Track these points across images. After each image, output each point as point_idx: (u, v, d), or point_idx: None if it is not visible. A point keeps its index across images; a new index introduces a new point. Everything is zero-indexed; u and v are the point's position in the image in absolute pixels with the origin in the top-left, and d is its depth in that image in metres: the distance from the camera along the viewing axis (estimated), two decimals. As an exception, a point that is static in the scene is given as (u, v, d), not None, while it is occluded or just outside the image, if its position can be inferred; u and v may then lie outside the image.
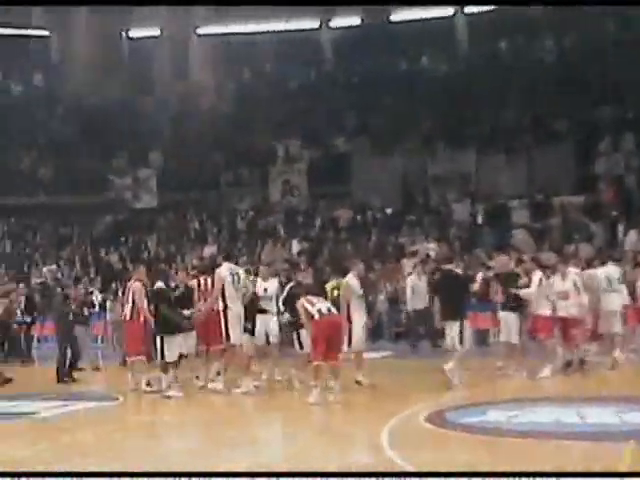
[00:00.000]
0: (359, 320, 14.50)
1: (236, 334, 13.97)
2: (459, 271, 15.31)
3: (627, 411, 11.05)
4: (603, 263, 16.71)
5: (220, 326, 14.01)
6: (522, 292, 14.83)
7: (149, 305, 14.42)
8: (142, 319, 14.56)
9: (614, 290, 16.25)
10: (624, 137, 27.83)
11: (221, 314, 14.04)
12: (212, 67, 35.81)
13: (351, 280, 14.59)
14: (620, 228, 24.40)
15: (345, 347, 14.11)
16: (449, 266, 15.25)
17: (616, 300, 16.25)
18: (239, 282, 14.17)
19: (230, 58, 35.82)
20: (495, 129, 30.47)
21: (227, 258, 15.30)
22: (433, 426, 10.78)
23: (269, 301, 14.86)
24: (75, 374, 16.88)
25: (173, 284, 14.78)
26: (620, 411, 11.05)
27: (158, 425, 12.43)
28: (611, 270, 16.45)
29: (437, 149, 31.02)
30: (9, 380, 16.38)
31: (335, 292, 14.44)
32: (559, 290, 15.21)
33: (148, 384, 14.71)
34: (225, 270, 14.33)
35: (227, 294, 13.99)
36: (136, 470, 8.17)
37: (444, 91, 32.95)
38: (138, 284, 14.74)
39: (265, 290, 14.92)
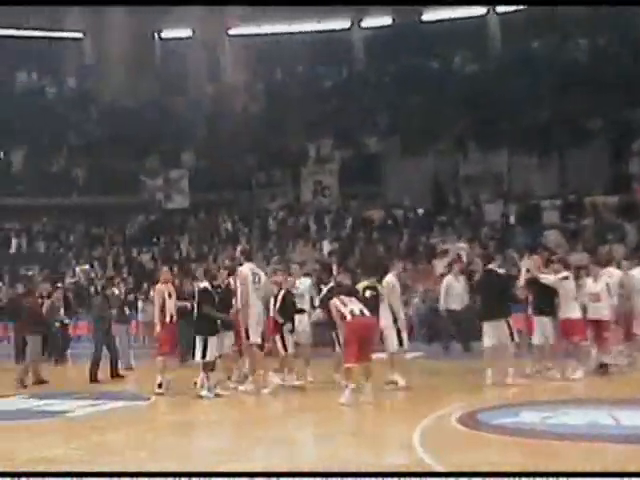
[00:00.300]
0: (390, 320, 14.47)
1: (255, 333, 14.08)
2: (502, 271, 15.21)
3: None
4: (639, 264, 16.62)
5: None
6: (542, 276, 14.68)
7: (194, 304, 14.49)
8: (168, 320, 14.61)
9: None
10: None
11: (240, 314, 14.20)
12: (244, 68, 35.89)
13: (391, 279, 14.57)
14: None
15: (393, 347, 14.19)
16: (491, 266, 15.22)
17: None
18: (259, 282, 14.28)
19: (262, 59, 35.90)
20: (527, 129, 30.25)
21: (248, 258, 15.33)
22: (465, 427, 10.72)
23: (300, 299, 14.98)
24: (122, 372, 17.10)
25: (216, 284, 14.78)
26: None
27: (189, 425, 12.46)
28: None
29: (469, 149, 30.87)
30: (44, 382, 16.50)
31: (368, 292, 14.40)
32: (591, 292, 15.11)
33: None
34: (247, 269, 14.41)
35: (248, 294, 14.11)
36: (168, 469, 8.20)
37: (476, 91, 32.78)
38: (160, 286, 14.81)
39: (297, 289, 15.06)
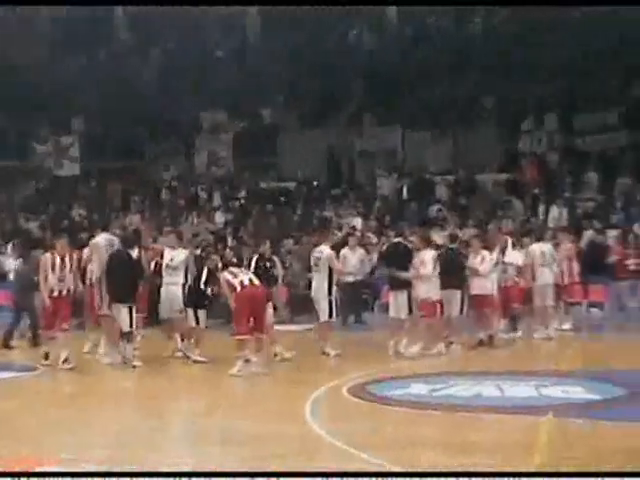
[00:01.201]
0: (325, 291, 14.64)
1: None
2: (408, 244, 15.46)
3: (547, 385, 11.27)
4: (538, 239, 17.24)
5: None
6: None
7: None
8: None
9: (548, 265, 16.75)
10: (547, 116, 28.23)
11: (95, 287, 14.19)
12: (137, 34, 35.23)
13: (329, 251, 14.91)
14: (541, 206, 24.80)
15: (324, 317, 14.44)
16: (399, 239, 15.56)
17: (549, 275, 16.74)
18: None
19: (155, 27, 35.28)
20: (421, 106, 30.58)
21: (105, 228, 15.11)
22: (355, 398, 10.84)
23: (174, 271, 14.63)
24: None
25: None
26: (540, 385, 11.27)
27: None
28: (544, 246, 17.01)
29: (364, 124, 31.06)
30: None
31: (264, 263, 14.43)
32: (472, 267, 15.48)
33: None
34: (102, 240, 14.29)
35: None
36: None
37: (371, 66, 32.94)
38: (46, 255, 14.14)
39: (171, 260, 14.72)
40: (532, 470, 7.12)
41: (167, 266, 14.69)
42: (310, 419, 9.58)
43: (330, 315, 14.67)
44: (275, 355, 14.12)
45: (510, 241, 16.99)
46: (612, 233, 21.45)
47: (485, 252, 15.69)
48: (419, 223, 22.37)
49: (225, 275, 13.36)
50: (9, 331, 16.51)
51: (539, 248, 16.95)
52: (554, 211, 23.74)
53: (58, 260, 13.76)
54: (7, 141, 33.53)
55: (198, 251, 15.93)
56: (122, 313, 13.67)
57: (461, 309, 15.05)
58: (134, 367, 13.50)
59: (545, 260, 16.84)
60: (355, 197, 28.24)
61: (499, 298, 15.99)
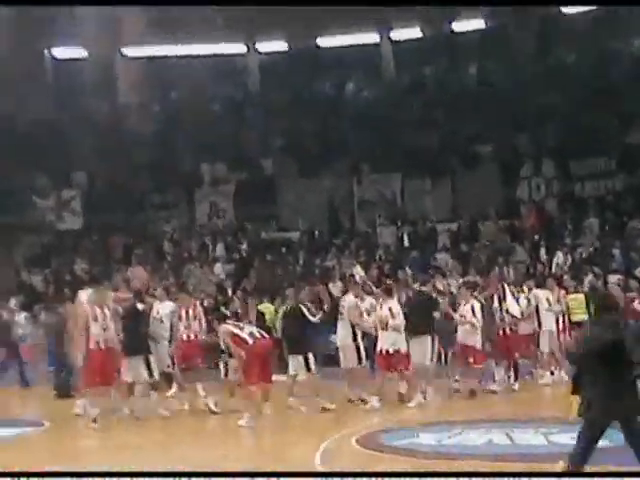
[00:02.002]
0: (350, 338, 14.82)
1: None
2: (432, 293, 15.63)
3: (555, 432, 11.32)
4: (538, 286, 17.37)
5: None
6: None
7: None
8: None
9: (552, 310, 16.88)
10: (544, 163, 28.51)
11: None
12: (139, 88, 35.59)
13: (352, 299, 15.08)
14: (542, 251, 24.94)
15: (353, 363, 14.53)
16: (423, 287, 15.93)
17: (553, 320, 16.85)
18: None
19: (157, 80, 35.68)
20: (420, 153, 30.87)
21: (93, 281, 15.28)
22: (364, 449, 10.90)
23: (160, 324, 14.72)
24: None
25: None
26: (548, 432, 11.32)
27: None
28: (548, 292, 17.22)
29: (363, 173, 31.33)
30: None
31: (268, 315, 14.57)
32: (461, 314, 15.54)
33: None
34: (85, 296, 14.33)
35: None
36: None
37: (369, 115, 33.33)
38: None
39: (157, 312, 14.82)
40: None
41: (154, 319, 14.77)
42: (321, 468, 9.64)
43: (359, 361, 14.65)
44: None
45: (508, 288, 16.78)
46: (612, 278, 21.58)
47: (474, 301, 15.56)
48: (421, 271, 22.53)
49: (229, 328, 13.44)
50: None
51: (544, 294, 17.08)
52: (558, 257, 23.83)
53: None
54: (8, 196, 33.69)
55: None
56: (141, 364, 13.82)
57: (431, 357, 14.99)
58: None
59: (550, 306, 16.97)
60: (356, 246, 28.39)
61: (499, 346, 15.93)
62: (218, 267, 28.63)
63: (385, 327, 14.33)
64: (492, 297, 16.26)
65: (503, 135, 30.40)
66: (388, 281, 16.29)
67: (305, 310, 14.67)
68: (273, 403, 13.62)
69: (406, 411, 14.01)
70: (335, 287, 23.37)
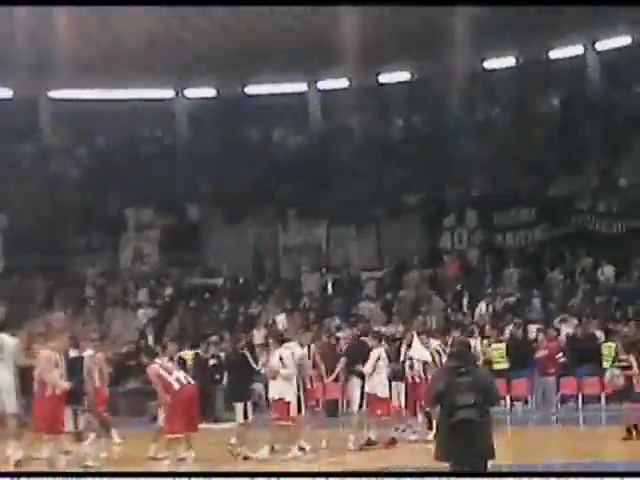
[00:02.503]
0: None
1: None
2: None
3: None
4: (470, 335, 17.56)
5: None
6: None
7: None
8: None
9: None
10: (468, 214, 28.96)
11: None
12: (64, 131, 35.31)
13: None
14: (464, 300, 25.26)
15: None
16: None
17: None
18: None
19: (84, 123, 35.42)
20: (346, 202, 31.10)
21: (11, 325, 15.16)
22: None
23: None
24: None
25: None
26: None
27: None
28: (472, 340, 17.11)
29: (288, 219, 31.45)
30: None
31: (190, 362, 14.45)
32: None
33: None
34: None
35: None
36: None
37: (296, 163, 33.57)
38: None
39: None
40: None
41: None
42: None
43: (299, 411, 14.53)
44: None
45: (416, 337, 16.56)
46: (532, 327, 21.96)
47: (374, 351, 15.30)
48: (345, 319, 22.66)
49: (158, 370, 13.18)
50: None
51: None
52: (481, 308, 24.14)
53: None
54: None
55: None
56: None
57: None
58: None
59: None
60: (280, 293, 28.39)
61: (409, 395, 15.88)
62: (141, 312, 28.36)
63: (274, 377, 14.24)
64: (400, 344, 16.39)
65: (428, 186, 30.85)
66: (279, 328, 16.37)
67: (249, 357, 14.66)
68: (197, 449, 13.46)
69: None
70: (259, 334, 23.31)
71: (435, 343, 16.69)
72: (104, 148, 37.00)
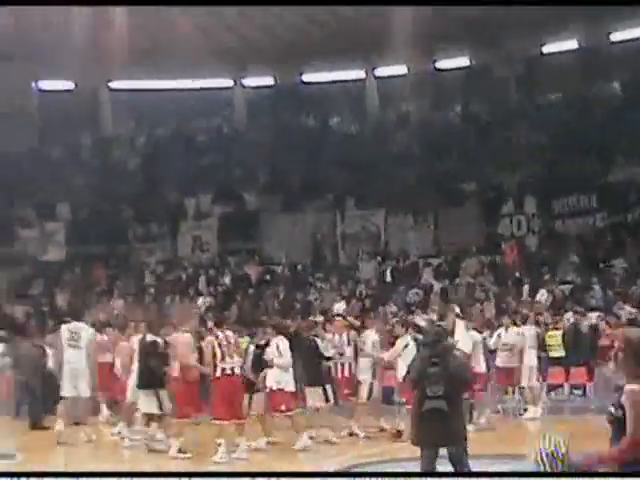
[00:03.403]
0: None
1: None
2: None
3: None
4: (524, 322, 17.55)
5: None
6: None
7: None
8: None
9: (534, 347, 17.10)
10: (526, 200, 28.68)
11: None
12: (124, 121, 35.74)
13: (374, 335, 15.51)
14: (525, 288, 25.00)
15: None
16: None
17: (535, 356, 17.03)
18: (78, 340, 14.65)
19: (143, 113, 35.84)
20: (402, 190, 31.02)
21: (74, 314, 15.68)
22: None
23: None
24: None
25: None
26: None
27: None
28: (532, 328, 17.72)
29: (346, 208, 31.46)
30: None
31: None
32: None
33: None
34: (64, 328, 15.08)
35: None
36: None
37: (354, 150, 33.53)
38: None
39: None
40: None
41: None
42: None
43: (369, 397, 14.96)
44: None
45: (462, 324, 16.04)
46: (592, 315, 21.67)
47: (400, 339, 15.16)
48: (401, 307, 22.60)
49: (215, 344, 13.13)
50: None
51: (528, 331, 17.24)
52: (542, 295, 23.87)
53: None
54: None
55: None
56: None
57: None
58: None
59: (533, 342, 17.15)
60: (338, 281, 28.43)
61: None
62: (200, 300, 28.58)
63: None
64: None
65: (486, 172, 30.62)
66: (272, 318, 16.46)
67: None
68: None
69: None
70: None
71: (486, 332, 16.73)
72: (163, 138, 37.37)
